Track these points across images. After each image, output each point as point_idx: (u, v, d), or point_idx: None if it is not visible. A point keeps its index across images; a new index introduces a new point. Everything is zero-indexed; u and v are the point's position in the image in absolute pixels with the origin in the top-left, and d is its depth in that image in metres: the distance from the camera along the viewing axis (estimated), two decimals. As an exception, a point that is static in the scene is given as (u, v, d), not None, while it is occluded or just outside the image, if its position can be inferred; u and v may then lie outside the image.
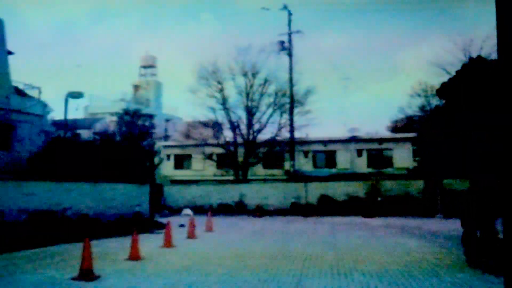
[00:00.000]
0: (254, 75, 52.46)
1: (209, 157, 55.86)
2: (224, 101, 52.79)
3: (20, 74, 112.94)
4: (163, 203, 43.38)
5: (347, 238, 21.62)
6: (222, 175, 55.47)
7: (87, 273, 11.62)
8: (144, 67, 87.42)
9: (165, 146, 60.72)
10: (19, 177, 24.04)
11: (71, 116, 45.87)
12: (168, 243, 18.26)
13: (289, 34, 50.88)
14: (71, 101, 42.38)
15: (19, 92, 32.95)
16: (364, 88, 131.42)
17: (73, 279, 11.59)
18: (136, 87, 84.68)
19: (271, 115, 52.97)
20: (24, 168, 27.67)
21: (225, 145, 53.04)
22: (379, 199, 39.43)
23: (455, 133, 41.11)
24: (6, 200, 19.90)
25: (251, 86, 52.73)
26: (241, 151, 52.01)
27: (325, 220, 33.79)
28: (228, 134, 54.12)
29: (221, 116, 53.44)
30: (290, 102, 50.36)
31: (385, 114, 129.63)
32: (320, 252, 16.45)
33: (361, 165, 55.20)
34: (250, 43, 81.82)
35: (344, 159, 56.04)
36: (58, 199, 21.98)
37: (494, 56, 43.95)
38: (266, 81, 52.75)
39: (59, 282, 11.34)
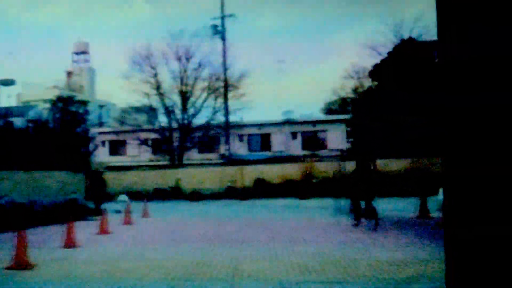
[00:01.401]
0: (188, 59, 52.46)
1: (144, 142, 55.49)
2: (158, 86, 52.62)
3: None
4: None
5: (283, 220, 21.92)
6: (158, 161, 55.21)
7: (21, 261, 11.49)
8: (77, 53, 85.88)
9: (100, 133, 59.92)
10: None
11: (3, 104, 44.86)
12: (104, 230, 18.16)
13: (222, 18, 50.84)
14: (3, 89, 41.40)
15: None
16: (299, 71, 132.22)
17: (7, 268, 11.44)
18: (69, 74, 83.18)
19: (205, 99, 53.16)
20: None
21: (160, 130, 52.78)
22: (314, 181, 39.90)
23: (387, 115, 42.00)
24: None
25: (185, 70, 52.72)
26: (176, 136, 51.91)
27: (261, 203, 34.06)
28: (163, 120, 53.94)
29: (155, 102, 53.24)
30: (224, 86, 50.42)
31: (320, 96, 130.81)
32: (257, 235, 16.62)
33: (296, 147, 55.79)
34: (184, 27, 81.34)
35: (279, 142, 56.54)
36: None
37: (424, 37, 44.91)
38: (200, 65, 52.89)
39: (-7, 272, 11.19)
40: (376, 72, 47.53)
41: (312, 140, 56.10)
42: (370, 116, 44.38)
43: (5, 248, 14.36)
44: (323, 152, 52.81)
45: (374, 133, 43.19)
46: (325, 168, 40.98)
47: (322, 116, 63.10)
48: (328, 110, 68.15)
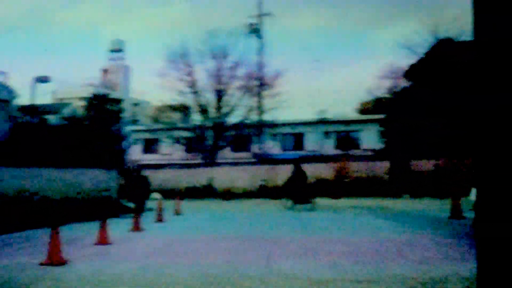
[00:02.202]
0: (224, 58, 52.46)
1: (177, 141, 55.73)
2: (193, 84, 52.65)
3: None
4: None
5: (314, 219, 21.84)
6: (191, 159, 55.41)
7: (55, 257, 11.60)
8: (113, 51, 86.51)
9: (134, 131, 60.37)
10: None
11: (39, 101, 45.38)
12: (136, 227, 18.28)
13: (259, 17, 50.85)
14: (38, 86, 41.94)
15: (-16, 77, 32.50)
16: (334, 70, 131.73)
17: (41, 264, 11.56)
18: (105, 72, 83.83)
19: (240, 98, 53.05)
20: (-10, 154, 27.40)
21: (194, 128, 52.92)
22: (346, 180, 39.76)
23: (420, 116, 41.60)
24: (-28, 186, 19.73)
25: (221, 69, 52.69)
26: (209, 134, 52.02)
27: (293, 202, 33.97)
28: (196, 118, 54.06)
29: (190, 100, 53.37)
30: (260, 85, 50.39)
31: (355, 96, 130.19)
32: (288, 234, 16.60)
33: (329, 147, 55.58)
34: (220, 26, 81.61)
35: (312, 141, 56.41)
36: (25, 184, 21.83)
37: (462, 37, 44.31)
38: (235, 64, 52.80)
39: (27, 267, 11.30)
40: (412, 72, 47.09)
41: (346, 140, 55.89)
42: (403, 116, 44.02)
43: (39, 245, 14.57)
44: (356, 152, 52.54)
45: (408, 133, 42.84)
46: (358, 167, 40.85)
47: (356, 116, 62.77)
48: (363, 110, 67.61)
